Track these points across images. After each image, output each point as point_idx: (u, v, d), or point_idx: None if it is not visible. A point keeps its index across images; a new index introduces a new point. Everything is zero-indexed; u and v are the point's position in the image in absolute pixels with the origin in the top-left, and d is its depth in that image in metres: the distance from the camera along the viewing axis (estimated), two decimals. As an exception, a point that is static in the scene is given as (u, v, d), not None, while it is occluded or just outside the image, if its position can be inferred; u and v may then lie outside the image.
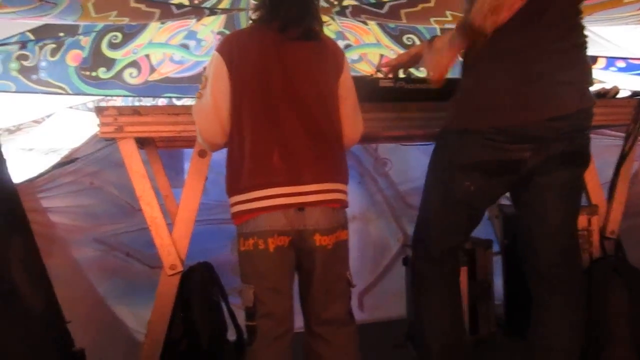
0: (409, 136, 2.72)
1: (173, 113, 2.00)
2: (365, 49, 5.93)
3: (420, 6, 4.32)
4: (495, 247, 2.93)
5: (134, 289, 2.73)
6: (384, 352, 2.65)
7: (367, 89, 2.14)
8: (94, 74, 5.24)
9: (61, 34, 4.88)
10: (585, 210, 2.40)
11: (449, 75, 1.73)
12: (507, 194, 1.97)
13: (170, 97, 5.68)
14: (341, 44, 5.85)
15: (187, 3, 4.69)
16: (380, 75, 2.29)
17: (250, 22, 1.84)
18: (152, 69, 5.37)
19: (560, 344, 1.84)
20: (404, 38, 5.79)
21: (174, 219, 2.13)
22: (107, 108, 1.99)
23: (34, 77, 5.06)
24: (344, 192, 1.79)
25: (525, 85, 1.68)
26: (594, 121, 2.24)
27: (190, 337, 2.25)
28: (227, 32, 5.07)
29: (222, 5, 4.84)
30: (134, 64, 5.28)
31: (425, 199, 1.96)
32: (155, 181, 2.39)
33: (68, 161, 2.48)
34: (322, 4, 4.86)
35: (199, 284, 2.30)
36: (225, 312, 2.40)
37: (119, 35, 5.16)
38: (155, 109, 2.04)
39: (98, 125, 1.99)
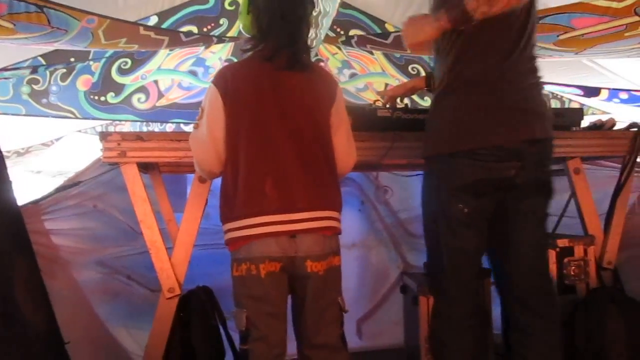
0: (409, 165, 2.76)
1: (175, 139, 2.05)
2: (371, 77, 6.02)
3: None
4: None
5: (134, 312, 2.75)
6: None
7: (365, 118, 2.20)
8: (103, 98, 5.33)
9: (72, 59, 4.99)
10: (582, 240, 2.42)
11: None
12: None
13: (178, 123, 5.77)
14: (347, 72, 5.94)
15: (195, 31, 4.80)
16: (382, 100, 2.36)
17: (242, 53, 1.89)
18: (161, 95, 5.46)
19: None
20: (409, 68, 5.87)
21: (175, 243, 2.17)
22: (110, 133, 2.04)
23: (44, 100, 5.16)
24: (337, 219, 1.83)
25: (500, 111, 1.81)
26: (591, 152, 2.30)
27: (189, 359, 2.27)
28: (235, 59, 5.17)
29: (230, 34, 4.95)
30: (142, 89, 5.38)
31: (430, 229, 2.00)
32: (158, 205, 2.43)
33: (72, 184, 2.53)
34: (329, 33, 4.95)
35: (198, 307, 2.33)
36: (223, 336, 2.41)
37: (129, 61, 5.26)
38: (157, 135, 2.09)
39: (101, 150, 2.04)
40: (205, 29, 4.87)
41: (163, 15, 4.72)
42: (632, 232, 2.62)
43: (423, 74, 5.52)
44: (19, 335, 1.88)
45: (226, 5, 4.93)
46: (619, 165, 2.46)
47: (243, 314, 1.74)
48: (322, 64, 5.84)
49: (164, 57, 5.30)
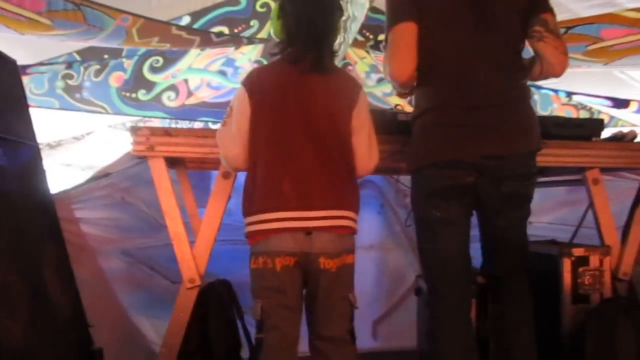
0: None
1: (202, 136, 2.13)
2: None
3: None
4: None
5: (155, 302, 2.83)
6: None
7: (385, 121, 2.25)
8: (134, 95, 5.46)
9: (105, 56, 5.13)
10: (598, 250, 2.43)
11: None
12: None
13: (206, 121, 5.87)
14: (375, 77, 5.98)
15: (226, 32, 4.90)
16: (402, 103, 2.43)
17: (271, 56, 1.97)
18: (190, 93, 5.57)
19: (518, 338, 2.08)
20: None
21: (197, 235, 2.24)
22: (140, 128, 2.13)
23: (78, 95, 5.30)
24: (353, 219, 1.89)
25: (462, 129, 1.95)
26: (610, 163, 2.32)
27: (204, 352, 2.34)
28: (264, 61, 5.25)
29: (260, 35, 5.04)
30: (172, 87, 5.49)
31: (417, 234, 2.12)
32: (183, 200, 2.52)
33: (101, 175, 2.63)
34: (358, 37, 5.01)
35: (216, 300, 2.40)
36: (241, 330, 2.49)
37: (161, 59, 5.38)
38: (184, 131, 2.18)
39: (131, 143, 2.13)
40: (236, 30, 4.96)
41: (195, 16, 4.82)
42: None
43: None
44: (47, 314, 1.98)
45: (257, 7, 5.02)
46: (638, 177, 2.48)
47: (259, 305, 1.82)
48: (349, 67, 5.89)
49: (195, 57, 5.41)
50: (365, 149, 1.93)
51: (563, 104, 6.56)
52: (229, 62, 5.51)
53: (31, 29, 3.55)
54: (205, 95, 5.62)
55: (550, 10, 2.04)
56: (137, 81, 5.44)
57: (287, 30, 1.90)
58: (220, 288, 2.47)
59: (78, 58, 4.99)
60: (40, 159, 2.35)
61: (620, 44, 4.23)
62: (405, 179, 3.24)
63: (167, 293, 2.80)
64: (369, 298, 3.23)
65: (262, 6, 5.02)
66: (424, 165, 2.00)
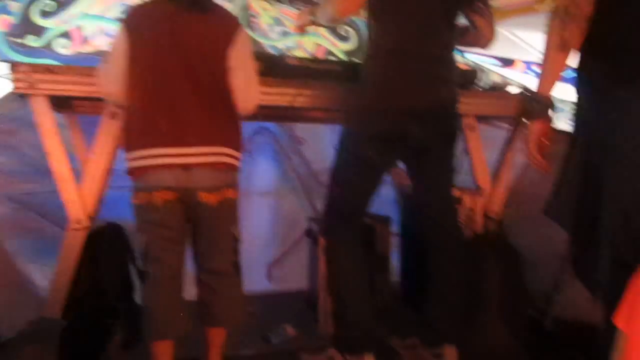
0: (327, 118, 2.90)
1: (86, 74, 2.09)
2: (302, 37, 6.06)
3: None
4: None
5: (45, 249, 2.77)
6: (285, 319, 2.80)
7: (276, 65, 2.31)
8: (22, 40, 5.16)
9: (-11, -3, 4.80)
10: (472, 191, 2.64)
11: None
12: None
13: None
14: (279, 29, 5.96)
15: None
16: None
17: None
18: (85, 41, 5.33)
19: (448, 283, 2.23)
20: (341, 30, 5.96)
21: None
22: (21, 64, 2.06)
23: (-42, 39, 4.95)
24: (232, 155, 1.95)
25: (411, 77, 2.06)
26: (484, 111, 2.53)
27: (94, 295, 2.35)
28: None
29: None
30: (65, 34, 5.24)
31: (336, 166, 2.21)
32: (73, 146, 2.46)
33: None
34: (262, -12, 4.96)
35: (106, 243, 2.41)
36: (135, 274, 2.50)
37: (53, 3, 5.10)
38: (69, 69, 2.12)
39: (11, 80, 2.06)
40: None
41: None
42: (524, 190, 2.87)
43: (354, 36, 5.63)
44: None
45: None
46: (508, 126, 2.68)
47: (142, 238, 1.89)
48: (252, 19, 5.84)
49: (90, 2, 5.17)
50: (243, 88, 1.96)
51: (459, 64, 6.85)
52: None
53: None
54: (101, 43, 5.40)
55: None
56: (26, 26, 5.14)
57: None
58: (111, 231, 2.47)
59: (-43, -2, 4.63)
60: None
61: (510, 4, 4.46)
62: (299, 127, 3.33)
63: (58, 240, 2.76)
64: (264, 242, 3.33)
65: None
66: (372, 106, 2.09)
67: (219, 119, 1.91)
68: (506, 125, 3.02)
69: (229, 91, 1.94)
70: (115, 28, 5.29)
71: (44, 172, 2.69)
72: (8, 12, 4.92)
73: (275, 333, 2.55)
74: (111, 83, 1.91)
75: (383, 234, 2.94)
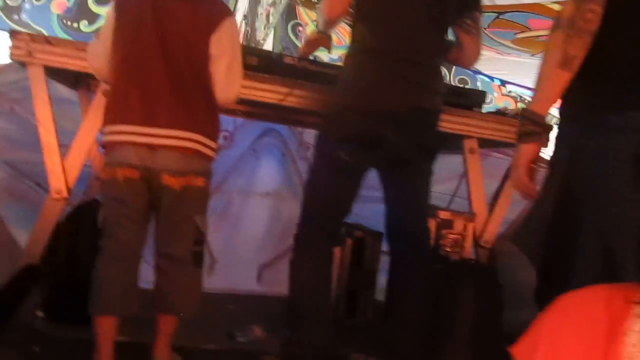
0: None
1: (81, 48, 2.13)
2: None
3: None
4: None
5: (36, 216, 2.83)
6: (260, 321, 2.76)
7: (272, 62, 2.30)
8: (75, 25, 5.33)
9: (50, -19, 5.00)
10: (464, 216, 2.55)
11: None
12: None
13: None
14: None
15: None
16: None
17: None
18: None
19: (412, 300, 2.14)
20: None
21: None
22: (20, 33, 2.13)
23: (15, 17, 5.15)
24: (204, 144, 1.91)
25: (389, 81, 2.00)
26: (487, 135, 2.44)
27: (71, 266, 2.36)
28: None
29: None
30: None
31: (311, 171, 2.19)
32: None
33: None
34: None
35: (88, 217, 2.41)
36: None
37: (108, -9, 5.26)
38: (66, 42, 2.18)
39: (10, 47, 2.11)
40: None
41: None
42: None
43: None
44: None
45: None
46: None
47: (102, 213, 1.88)
48: (300, 28, 5.89)
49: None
50: (222, 78, 1.94)
51: (503, 95, 6.73)
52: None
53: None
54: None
55: (481, 10, 2.20)
56: (81, 11, 5.30)
57: None
58: (94, 206, 2.48)
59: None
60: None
61: (547, 35, 4.34)
62: (309, 133, 3.31)
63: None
64: (259, 243, 3.30)
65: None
66: (347, 106, 2.04)
67: (193, 105, 1.89)
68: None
69: (209, 79, 1.92)
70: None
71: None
72: (65, -3, 5.12)
73: (242, 332, 2.51)
74: (98, 58, 1.95)
75: (373, 250, 2.87)
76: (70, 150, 2.23)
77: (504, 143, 2.73)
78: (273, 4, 5.36)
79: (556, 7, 3.96)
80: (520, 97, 6.55)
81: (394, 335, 2.14)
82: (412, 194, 2.15)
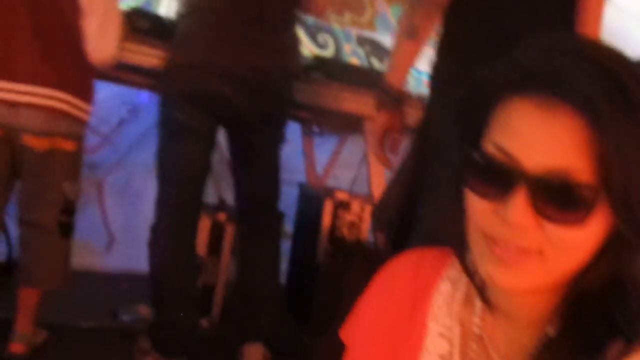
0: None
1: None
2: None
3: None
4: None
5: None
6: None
7: (161, 26, 2.22)
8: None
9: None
10: (361, 197, 2.51)
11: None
12: None
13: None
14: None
15: None
16: None
17: None
18: None
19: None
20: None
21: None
22: None
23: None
24: (73, 104, 1.79)
25: (222, 37, 1.95)
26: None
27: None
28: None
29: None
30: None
31: (158, 143, 2.05)
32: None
33: None
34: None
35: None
36: None
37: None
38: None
39: None
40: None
41: None
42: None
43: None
44: None
45: None
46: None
47: None
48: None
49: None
50: (94, 36, 1.82)
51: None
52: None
53: None
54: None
55: None
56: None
57: None
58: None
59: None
60: None
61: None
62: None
63: None
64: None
65: None
66: (179, 64, 1.97)
67: (59, 61, 1.77)
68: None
69: (78, 36, 1.80)
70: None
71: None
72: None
73: (126, 311, 2.40)
74: None
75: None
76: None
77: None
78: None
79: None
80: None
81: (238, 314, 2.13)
82: (259, 159, 2.09)
